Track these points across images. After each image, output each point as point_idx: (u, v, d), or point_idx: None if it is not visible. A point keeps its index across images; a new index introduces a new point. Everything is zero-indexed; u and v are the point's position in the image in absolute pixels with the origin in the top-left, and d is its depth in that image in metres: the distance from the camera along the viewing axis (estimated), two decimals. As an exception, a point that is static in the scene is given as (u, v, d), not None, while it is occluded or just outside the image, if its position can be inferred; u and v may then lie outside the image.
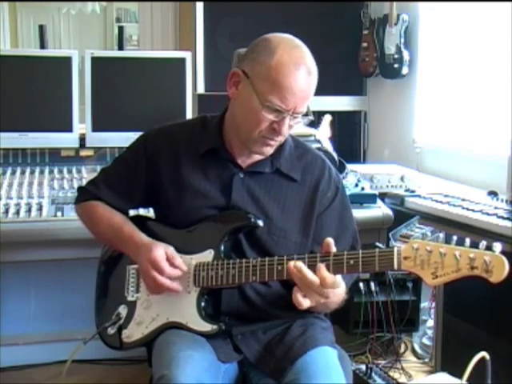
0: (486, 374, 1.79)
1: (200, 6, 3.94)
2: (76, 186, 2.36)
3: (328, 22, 4.04)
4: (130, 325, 1.74)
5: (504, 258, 1.36)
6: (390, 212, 2.54)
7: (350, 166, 2.72)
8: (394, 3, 3.73)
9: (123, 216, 1.82)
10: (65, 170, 2.66)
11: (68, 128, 2.72)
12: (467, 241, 1.40)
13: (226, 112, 1.75)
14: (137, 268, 1.74)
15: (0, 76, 2.64)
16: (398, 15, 3.74)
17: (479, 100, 3.30)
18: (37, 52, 3.08)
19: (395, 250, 1.45)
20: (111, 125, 2.75)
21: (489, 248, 1.37)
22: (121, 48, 3.23)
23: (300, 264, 1.48)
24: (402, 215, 2.59)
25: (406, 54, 3.75)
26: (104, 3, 8.22)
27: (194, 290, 1.67)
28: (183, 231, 1.73)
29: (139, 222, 1.80)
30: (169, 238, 1.72)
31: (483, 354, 1.73)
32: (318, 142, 2.65)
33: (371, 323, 2.74)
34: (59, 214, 2.29)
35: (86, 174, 2.60)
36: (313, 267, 1.49)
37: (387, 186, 2.79)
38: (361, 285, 2.72)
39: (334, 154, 2.59)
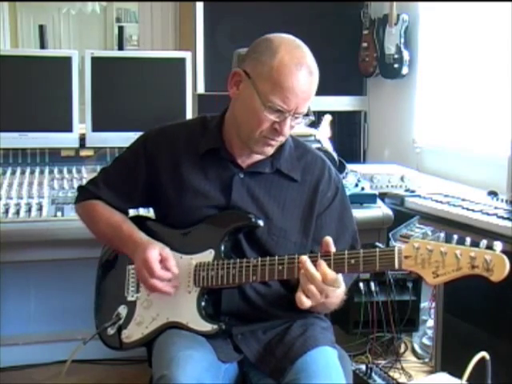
0: (486, 373, 1.78)
1: (200, 5, 3.94)
2: (76, 186, 2.35)
3: (328, 21, 4.05)
4: (129, 325, 1.74)
5: (505, 257, 1.36)
6: (389, 212, 2.54)
7: (349, 166, 2.72)
8: (394, 3, 3.74)
9: (123, 215, 1.82)
10: (65, 170, 2.66)
11: (68, 128, 2.72)
12: (468, 240, 1.40)
13: (226, 112, 1.75)
14: (137, 268, 1.74)
15: (0, 76, 2.64)
16: (398, 15, 3.75)
17: (479, 100, 3.30)
18: (37, 52, 3.07)
19: (396, 249, 1.46)
20: (111, 125, 2.75)
21: (489, 247, 1.38)
22: (121, 48, 3.23)
23: (304, 257, 1.49)
24: (402, 215, 2.60)
25: (405, 54, 3.76)
26: (104, 3, 8.22)
27: (194, 289, 1.66)
28: (183, 231, 1.73)
29: (139, 221, 1.80)
30: (169, 238, 1.72)
31: (483, 354, 1.73)
32: (318, 142, 2.66)
33: (371, 323, 2.74)
34: (59, 213, 2.29)
35: (86, 174, 2.60)
36: (314, 265, 1.49)
37: (387, 186, 2.79)
38: (361, 285, 2.72)
39: (334, 154, 2.59)
